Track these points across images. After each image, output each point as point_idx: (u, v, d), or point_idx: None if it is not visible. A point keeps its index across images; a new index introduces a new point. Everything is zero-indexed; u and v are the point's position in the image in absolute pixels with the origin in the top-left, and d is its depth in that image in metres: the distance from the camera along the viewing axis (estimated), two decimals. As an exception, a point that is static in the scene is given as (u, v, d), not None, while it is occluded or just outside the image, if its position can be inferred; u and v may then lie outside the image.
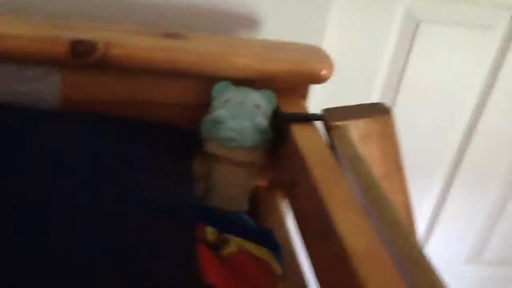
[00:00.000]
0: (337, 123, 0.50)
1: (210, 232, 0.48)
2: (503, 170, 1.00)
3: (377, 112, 0.51)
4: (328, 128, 0.50)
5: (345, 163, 0.45)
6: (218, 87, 0.55)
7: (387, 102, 0.84)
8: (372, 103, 0.53)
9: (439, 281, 0.31)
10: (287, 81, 0.57)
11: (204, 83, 0.57)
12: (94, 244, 0.38)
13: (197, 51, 0.53)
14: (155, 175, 0.48)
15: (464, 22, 0.81)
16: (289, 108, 0.55)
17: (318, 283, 0.39)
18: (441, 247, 1.09)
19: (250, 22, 0.66)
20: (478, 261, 1.15)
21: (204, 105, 0.57)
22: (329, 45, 0.72)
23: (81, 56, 0.50)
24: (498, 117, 0.92)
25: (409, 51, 0.81)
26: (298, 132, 0.49)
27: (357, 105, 0.52)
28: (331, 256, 0.37)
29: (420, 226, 1.06)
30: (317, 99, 0.72)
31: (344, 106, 0.52)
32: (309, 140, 0.48)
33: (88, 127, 0.49)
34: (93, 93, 0.55)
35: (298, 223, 0.46)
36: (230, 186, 0.55)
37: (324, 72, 0.57)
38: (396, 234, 0.35)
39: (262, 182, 0.67)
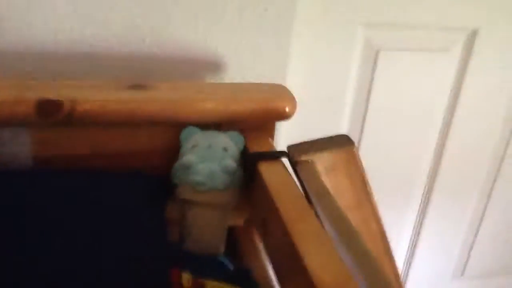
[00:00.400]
0: (302, 158, 0.51)
1: (186, 278, 0.48)
2: (475, 186, 1.02)
3: (341, 143, 0.53)
4: (294, 164, 0.52)
5: (312, 198, 0.46)
6: (185, 133, 0.57)
7: (355, 130, 0.87)
8: (335, 136, 0.54)
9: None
10: (253, 121, 0.58)
11: (171, 129, 0.58)
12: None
13: (162, 100, 0.55)
14: (127, 225, 0.49)
15: (421, 47, 0.84)
16: (256, 146, 0.57)
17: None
18: (426, 266, 1.10)
19: (214, 66, 0.68)
20: (464, 276, 1.16)
21: (174, 151, 0.59)
22: (294, 79, 0.74)
23: (48, 115, 0.51)
24: (465, 134, 0.94)
25: (371, 79, 0.84)
26: (265, 170, 0.51)
27: (321, 138, 0.54)
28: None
29: (402, 250, 1.08)
30: (288, 134, 0.75)
31: (308, 141, 0.54)
32: (277, 177, 0.49)
33: (58, 185, 0.50)
34: (63, 148, 0.56)
35: (271, 260, 0.47)
36: (204, 230, 0.55)
37: (287, 109, 0.59)
38: (366, 264, 0.36)
39: (238, 221, 0.68)
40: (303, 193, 0.48)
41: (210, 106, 0.56)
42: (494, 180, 1.02)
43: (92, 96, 0.53)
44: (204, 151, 0.54)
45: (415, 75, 0.86)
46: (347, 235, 0.40)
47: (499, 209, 1.07)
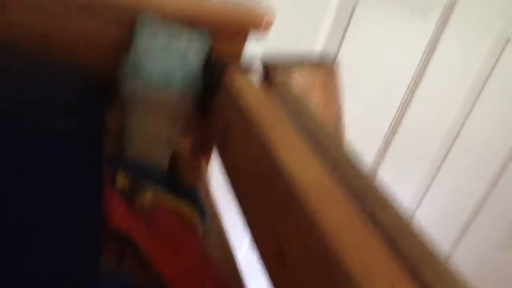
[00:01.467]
0: (279, 70, 0.45)
1: (122, 177, 0.40)
2: (428, 156, 1.01)
3: (321, 63, 0.47)
4: (269, 76, 0.45)
5: (286, 106, 0.39)
6: (142, 20, 0.48)
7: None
8: (316, 56, 0.48)
9: (397, 212, 0.26)
10: (225, 23, 0.50)
11: (125, 15, 0.49)
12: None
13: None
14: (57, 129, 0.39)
15: (400, 9, 0.80)
16: (223, 54, 0.49)
17: (258, 235, 0.33)
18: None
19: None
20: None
21: (124, 43, 0.49)
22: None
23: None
24: (425, 107, 0.92)
25: (344, 33, 0.78)
26: (235, 76, 0.43)
27: (300, 55, 0.47)
28: (277, 199, 0.31)
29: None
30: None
31: (286, 55, 0.47)
32: (247, 84, 0.42)
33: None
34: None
35: (231, 176, 0.40)
36: (149, 140, 0.47)
37: (266, 19, 0.51)
38: (347, 168, 0.30)
39: (184, 144, 0.60)
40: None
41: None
42: (444, 157, 1.01)
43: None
44: (164, 45, 0.46)
45: (388, 37, 0.82)
46: (325, 140, 0.34)
47: (440, 192, 1.07)
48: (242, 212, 0.37)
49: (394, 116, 0.92)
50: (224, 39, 0.51)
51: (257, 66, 0.47)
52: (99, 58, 0.50)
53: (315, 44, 0.77)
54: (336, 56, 0.80)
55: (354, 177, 0.30)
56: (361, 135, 0.91)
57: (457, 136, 1.00)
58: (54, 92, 0.43)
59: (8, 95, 0.37)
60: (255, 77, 0.46)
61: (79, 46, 0.49)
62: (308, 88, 0.45)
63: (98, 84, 0.49)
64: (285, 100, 0.41)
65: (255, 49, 0.56)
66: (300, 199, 0.27)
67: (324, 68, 0.46)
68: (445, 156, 1.01)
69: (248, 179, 0.36)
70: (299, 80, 0.45)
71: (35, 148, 0.34)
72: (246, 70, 0.46)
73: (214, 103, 0.47)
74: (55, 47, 0.48)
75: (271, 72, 0.45)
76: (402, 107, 0.91)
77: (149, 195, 0.39)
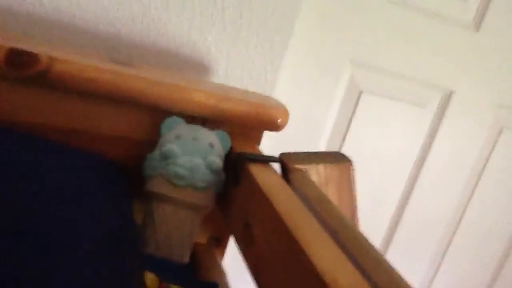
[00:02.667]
0: (297, 166, 0.47)
1: (150, 278, 0.41)
2: (434, 236, 1.01)
3: (337, 159, 0.49)
4: (287, 171, 0.47)
5: (309, 204, 0.41)
6: (168, 122, 0.51)
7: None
8: (331, 151, 0.51)
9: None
10: (241, 124, 0.54)
11: (151, 116, 0.52)
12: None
13: (148, 79, 0.49)
14: (94, 211, 0.41)
15: (401, 98, 0.85)
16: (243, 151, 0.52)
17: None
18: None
19: (202, 67, 0.64)
20: None
21: (148, 142, 0.52)
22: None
23: (20, 67, 0.44)
24: (427, 194, 0.94)
25: (351, 119, 0.82)
26: (257, 171, 0.46)
27: (316, 151, 0.50)
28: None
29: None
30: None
31: (303, 152, 0.49)
32: (270, 179, 0.44)
33: (22, 150, 0.42)
34: (26, 115, 0.48)
35: (255, 270, 0.41)
36: (172, 231, 0.48)
37: (280, 120, 0.55)
38: (380, 271, 0.31)
39: (200, 239, 0.61)
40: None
41: (200, 98, 0.51)
42: (450, 240, 1.02)
43: (72, 58, 0.46)
44: (189, 143, 0.48)
45: (391, 122, 0.86)
46: (356, 241, 0.35)
47: (449, 275, 1.06)
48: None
49: (398, 201, 0.94)
50: (241, 138, 0.54)
51: (277, 160, 0.49)
52: (125, 153, 0.52)
53: (323, 129, 0.81)
54: (343, 141, 0.83)
55: (383, 279, 0.31)
56: (366, 222, 0.92)
57: (459, 221, 1.02)
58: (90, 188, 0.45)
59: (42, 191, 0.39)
60: (275, 171, 0.48)
61: (107, 142, 0.52)
62: (324, 184, 0.47)
63: (126, 176, 0.51)
64: (305, 196, 0.43)
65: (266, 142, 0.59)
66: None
67: (340, 165, 0.49)
68: (450, 240, 1.02)
69: (276, 276, 0.37)
70: (315, 177, 0.47)
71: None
72: (267, 164, 0.48)
73: (234, 197, 0.49)
74: (86, 142, 0.50)
75: (289, 168, 0.47)
76: (406, 191, 0.93)
77: (177, 295, 0.40)
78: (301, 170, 0.47)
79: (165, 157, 0.47)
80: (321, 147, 0.82)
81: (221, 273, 0.56)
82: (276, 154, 0.49)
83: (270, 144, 0.65)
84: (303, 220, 0.37)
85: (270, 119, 0.54)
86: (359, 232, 0.36)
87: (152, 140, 0.52)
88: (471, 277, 1.10)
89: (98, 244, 0.35)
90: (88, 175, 0.44)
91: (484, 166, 0.97)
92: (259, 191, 0.42)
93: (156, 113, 0.52)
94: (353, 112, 0.81)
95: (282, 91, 0.74)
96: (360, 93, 0.81)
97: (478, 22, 0.83)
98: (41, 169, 0.41)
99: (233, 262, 0.67)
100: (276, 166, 0.49)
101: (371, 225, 0.94)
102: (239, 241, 0.45)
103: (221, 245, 0.62)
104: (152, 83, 0.49)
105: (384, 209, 0.94)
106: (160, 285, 0.40)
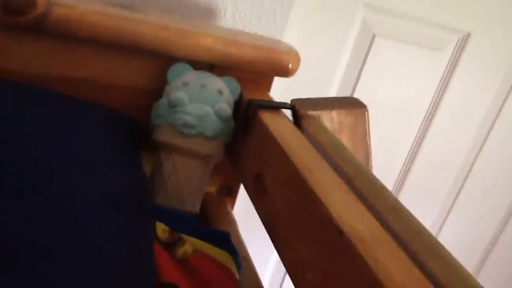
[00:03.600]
0: (309, 112, 0.45)
1: (162, 230, 0.40)
2: (445, 184, 1.01)
3: (351, 104, 0.47)
4: (300, 117, 0.45)
5: (323, 151, 0.40)
6: (175, 68, 0.49)
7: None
8: (344, 97, 0.49)
9: (457, 269, 0.26)
10: (251, 69, 0.51)
11: (157, 63, 0.50)
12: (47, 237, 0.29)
13: (155, 23, 0.47)
14: (105, 165, 0.40)
15: (416, 41, 0.81)
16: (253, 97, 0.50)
17: (299, 283, 0.33)
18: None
19: (206, 11, 0.61)
20: None
21: (154, 90, 0.51)
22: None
23: (16, 13, 0.42)
24: (441, 138, 0.92)
25: (363, 64, 0.79)
26: (269, 119, 0.44)
27: (329, 97, 0.48)
28: (324, 249, 0.31)
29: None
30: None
31: (315, 97, 0.48)
32: (282, 127, 0.43)
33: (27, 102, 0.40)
34: (25, 65, 0.46)
35: (268, 221, 0.40)
36: (183, 182, 0.47)
37: (291, 65, 0.52)
38: (399, 219, 0.30)
39: (210, 188, 0.61)
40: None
41: (207, 42, 0.48)
42: (461, 186, 1.01)
43: (73, 2, 0.44)
44: (197, 90, 0.47)
45: (405, 67, 0.83)
46: (372, 187, 0.34)
47: (459, 220, 1.06)
48: (282, 259, 0.37)
49: (410, 149, 0.92)
50: (251, 84, 0.52)
51: (289, 107, 0.47)
52: (130, 103, 0.51)
53: (334, 75, 0.78)
54: (354, 87, 0.81)
55: (401, 226, 0.30)
56: (378, 168, 0.91)
57: (471, 168, 1.00)
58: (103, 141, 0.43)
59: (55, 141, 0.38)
60: (288, 117, 0.46)
61: (111, 91, 0.50)
62: (337, 130, 0.46)
63: (133, 127, 0.49)
64: (319, 143, 0.41)
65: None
66: (354, 250, 0.27)
67: (354, 110, 0.47)
68: (460, 189, 1.01)
69: (291, 226, 0.36)
70: (328, 123, 0.45)
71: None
72: (278, 110, 0.47)
73: (245, 146, 0.47)
74: (88, 92, 0.49)
75: (301, 115, 0.45)
76: (418, 139, 0.92)
77: (188, 246, 0.39)
78: (313, 116, 0.45)
79: (173, 105, 0.46)
80: (332, 93, 0.80)
81: (232, 222, 0.56)
82: (286, 101, 0.47)
83: (279, 91, 0.63)
84: (318, 168, 0.36)
85: (281, 64, 0.52)
86: (375, 178, 0.35)
87: (159, 88, 0.50)
88: (480, 224, 1.10)
89: (106, 200, 0.34)
90: (94, 127, 0.43)
91: (498, 113, 0.94)
92: (271, 139, 0.41)
93: (162, 60, 0.50)
94: (366, 57, 0.78)
95: (292, 35, 0.71)
96: (373, 37, 0.78)
97: (500, -42, 0.78)
98: (45, 122, 0.40)
99: (243, 210, 0.66)
100: (288, 113, 0.47)
101: (383, 171, 0.93)
102: (250, 192, 0.44)
103: (232, 194, 0.61)
104: (157, 28, 0.46)
105: (396, 156, 0.92)
106: (171, 234, 0.40)
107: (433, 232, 1.06)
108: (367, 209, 0.31)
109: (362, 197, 0.33)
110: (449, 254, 0.28)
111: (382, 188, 0.34)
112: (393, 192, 0.94)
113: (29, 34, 0.45)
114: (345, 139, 0.46)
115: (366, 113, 0.47)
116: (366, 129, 0.48)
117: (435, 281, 0.27)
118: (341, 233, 0.28)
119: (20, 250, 0.26)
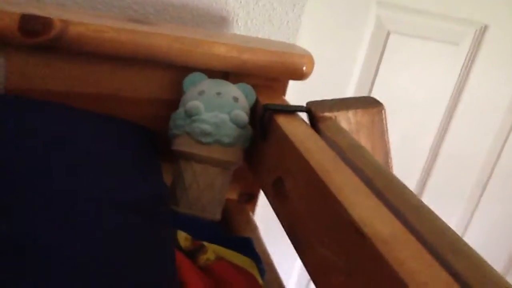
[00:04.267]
0: (326, 114, 0.45)
1: (183, 238, 0.40)
2: (468, 182, 0.99)
3: (367, 103, 0.47)
4: (316, 120, 0.45)
5: (341, 153, 0.40)
6: (190, 78, 0.49)
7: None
8: (360, 96, 0.48)
9: (483, 268, 0.26)
10: (265, 75, 0.52)
11: (173, 74, 0.51)
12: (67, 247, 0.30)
13: (168, 36, 0.47)
14: (126, 174, 0.41)
15: (432, 36, 0.80)
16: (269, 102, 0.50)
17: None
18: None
19: (219, 19, 0.61)
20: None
21: (172, 101, 0.51)
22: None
23: (33, 34, 0.43)
24: (463, 133, 0.91)
25: (379, 62, 0.79)
26: (285, 123, 0.44)
27: (345, 98, 0.48)
28: (347, 251, 0.31)
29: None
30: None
31: (331, 99, 0.47)
32: (299, 130, 0.43)
33: (49, 118, 0.41)
34: (45, 83, 0.47)
35: (289, 225, 0.40)
36: (203, 189, 0.48)
37: (305, 68, 0.52)
38: (421, 219, 0.30)
39: (231, 195, 0.61)
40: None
41: (221, 50, 0.49)
42: (485, 183, 0.99)
43: (87, 20, 0.45)
44: (213, 99, 0.47)
45: (422, 63, 0.82)
46: (394, 188, 0.34)
47: (485, 218, 1.04)
48: (305, 263, 0.37)
49: (430, 147, 0.91)
50: (266, 89, 0.52)
51: (304, 109, 0.47)
52: (149, 115, 0.51)
53: (351, 74, 0.78)
54: (371, 86, 0.81)
55: (424, 225, 0.29)
56: (399, 167, 0.90)
57: (495, 164, 0.98)
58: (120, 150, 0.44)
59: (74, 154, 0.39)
60: (304, 121, 0.46)
61: (131, 105, 0.51)
62: (355, 131, 0.46)
63: (152, 137, 0.50)
64: (337, 144, 0.41)
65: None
66: (377, 252, 0.27)
67: (371, 110, 0.46)
68: (485, 186, 0.99)
69: (312, 230, 0.36)
70: (345, 124, 0.45)
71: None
72: (294, 114, 0.47)
73: (263, 152, 0.48)
74: (109, 107, 0.50)
75: (317, 117, 0.45)
76: (439, 136, 0.90)
77: (211, 254, 0.40)
78: (330, 118, 0.45)
79: (189, 114, 0.46)
80: (349, 93, 0.79)
81: (254, 228, 0.56)
82: (302, 104, 0.47)
83: (294, 94, 0.63)
84: (337, 170, 0.36)
85: (295, 68, 0.52)
86: (396, 178, 0.35)
87: (176, 98, 0.51)
88: (507, 222, 1.07)
89: (127, 210, 0.35)
90: (115, 141, 0.44)
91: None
92: (289, 143, 0.41)
93: (177, 70, 0.50)
94: (382, 54, 0.78)
95: (306, 37, 0.71)
96: (388, 34, 0.77)
97: None
98: (68, 138, 0.41)
99: (264, 216, 0.66)
100: (304, 116, 0.47)
101: (404, 170, 0.92)
102: (271, 197, 0.45)
103: (252, 200, 0.61)
104: (172, 39, 0.47)
105: (417, 155, 0.91)
106: (194, 243, 0.40)
107: (459, 231, 1.04)
108: (389, 210, 0.31)
109: (383, 198, 0.33)
110: (475, 253, 0.28)
111: (403, 188, 0.33)
112: (415, 192, 0.93)
113: (47, 53, 0.46)
114: (363, 139, 0.46)
115: (383, 111, 0.47)
116: (384, 128, 0.47)
117: (462, 280, 0.26)
118: (363, 235, 0.28)
119: (20, 250, 0.27)
